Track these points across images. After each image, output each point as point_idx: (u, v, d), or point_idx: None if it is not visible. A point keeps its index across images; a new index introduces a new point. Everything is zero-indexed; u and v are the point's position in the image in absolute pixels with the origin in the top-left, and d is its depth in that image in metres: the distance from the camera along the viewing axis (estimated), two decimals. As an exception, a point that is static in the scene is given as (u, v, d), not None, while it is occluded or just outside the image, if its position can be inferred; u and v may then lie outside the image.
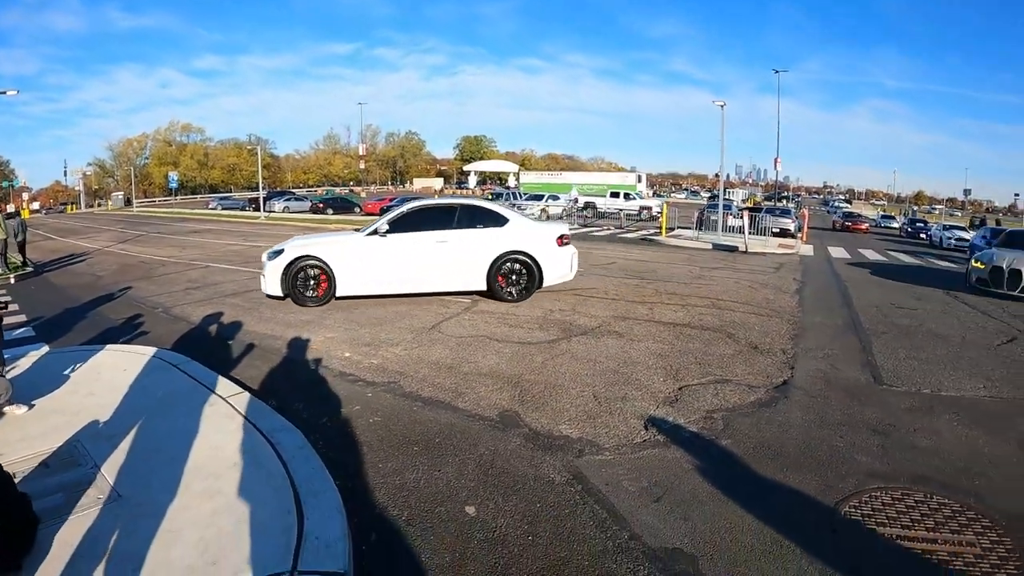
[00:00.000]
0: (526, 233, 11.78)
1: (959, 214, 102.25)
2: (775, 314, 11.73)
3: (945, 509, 4.66)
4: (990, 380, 8.09)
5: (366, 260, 11.13)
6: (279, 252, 10.99)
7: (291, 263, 10.84)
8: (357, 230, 11.86)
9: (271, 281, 10.83)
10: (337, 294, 11.07)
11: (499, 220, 11.77)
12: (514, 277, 11.53)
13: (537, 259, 11.59)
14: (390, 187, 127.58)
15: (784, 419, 6.37)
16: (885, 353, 9.19)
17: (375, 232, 11.16)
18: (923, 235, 46.89)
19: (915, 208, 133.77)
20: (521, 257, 11.54)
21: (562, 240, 11.96)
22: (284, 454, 4.75)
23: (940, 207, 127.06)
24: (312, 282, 10.94)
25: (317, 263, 10.93)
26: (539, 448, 5.45)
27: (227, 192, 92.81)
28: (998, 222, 59.44)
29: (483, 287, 11.51)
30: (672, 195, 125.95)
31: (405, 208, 11.70)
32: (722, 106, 30.90)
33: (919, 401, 7.14)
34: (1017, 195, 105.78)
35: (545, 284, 11.79)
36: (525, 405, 6.45)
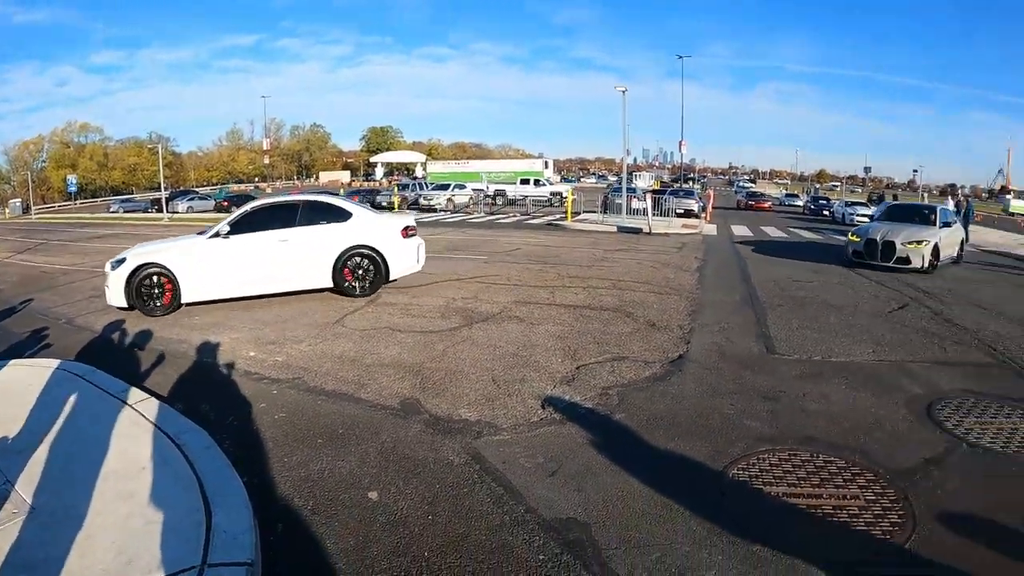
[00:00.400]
0: (370, 227, 11.71)
1: (859, 191, 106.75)
2: (674, 292, 12.07)
3: (831, 467, 4.92)
4: (879, 344, 8.57)
5: (210, 264, 10.75)
6: (121, 261, 10.46)
7: (134, 272, 10.37)
8: (201, 232, 11.45)
9: (115, 292, 10.31)
10: (183, 301, 10.62)
11: (342, 215, 11.66)
12: (360, 272, 11.42)
13: (383, 252, 11.52)
14: (296, 182, 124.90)
15: (678, 391, 6.60)
16: (779, 324, 9.62)
17: (217, 234, 10.78)
18: (826, 212, 47.91)
19: (817, 186, 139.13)
20: (366, 251, 11.44)
21: (407, 231, 11.93)
22: (191, 455, 4.80)
23: (838, 184, 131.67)
24: (157, 290, 10.44)
25: (160, 270, 10.45)
26: (439, 432, 5.56)
27: (129, 194, 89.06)
28: (895, 197, 62.33)
29: (329, 284, 11.35)
30: (582, 180, 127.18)
31: (247, 208, 11.39)
32: (624, 92, 31.48)
33: (810, 368, 7.52)
34: (915, 171, 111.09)
35: (392, 276, 11.72)
36: (426, 392, 6.53)
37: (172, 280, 10.42)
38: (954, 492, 4.60)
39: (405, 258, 11.84)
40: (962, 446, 5.39)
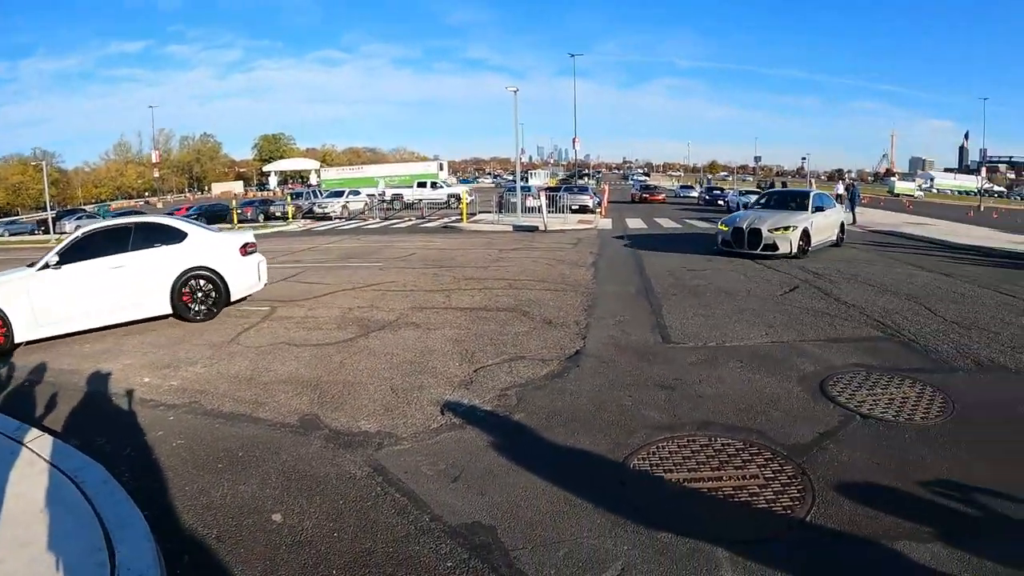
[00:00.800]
0: (207, 247, 11.26)
1: (750, 179, 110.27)
2: (570, 288, 12.25)
3: (729, 448, 5.08)
4: (772, 327, 8.94)
5: (42, 298, 9.92)
6: None
7: None
8: (31, 264, 10.49)
9: None
10: (17, 340, 9.59)
11: (177, 236, 11.12)
12: (200, 295, 10.92)
13: (221, 273, 11.12)
14: (188, 195, 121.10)
15: (575, 387, 6.69)
16: (674, 314, 9.92)
17: (46, 265, 9.99)
18: (721, 202, 47.82)
19: (710, 176, 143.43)
20: (205, 273, 11.01)
21: (246, 249, 11.57)
22: (89, 491, 4.62)
23: (730, 175, 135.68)
24: None
25: None
26: (340, 447, 5.48)
27: (14, 216, 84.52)
28: (785, 184, 64.51)
29: (169, 310, 10.78)
30: (479, 181, 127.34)
31: (78, 234, 10.73)
32: (515, 91, 31.81)
33: (705, 354, 7.76)
34: (804, 158, 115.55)
35: (233, 297, 11.32)
36: (324, 407, 6.43)
37: (3, 319, 9.52)
38: (850, 463, 4.84)
39: (246, 277, 11.45)
40: (856, 418, 5.69)
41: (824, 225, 18.34)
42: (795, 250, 16.33)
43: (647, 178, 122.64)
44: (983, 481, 4.51)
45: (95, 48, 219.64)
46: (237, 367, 7.97)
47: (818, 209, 18.47)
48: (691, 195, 64.87)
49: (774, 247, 16.40)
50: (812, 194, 19.66)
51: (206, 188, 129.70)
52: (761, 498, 4.31)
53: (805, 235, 16.75)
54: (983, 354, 7.68)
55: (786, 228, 16.57)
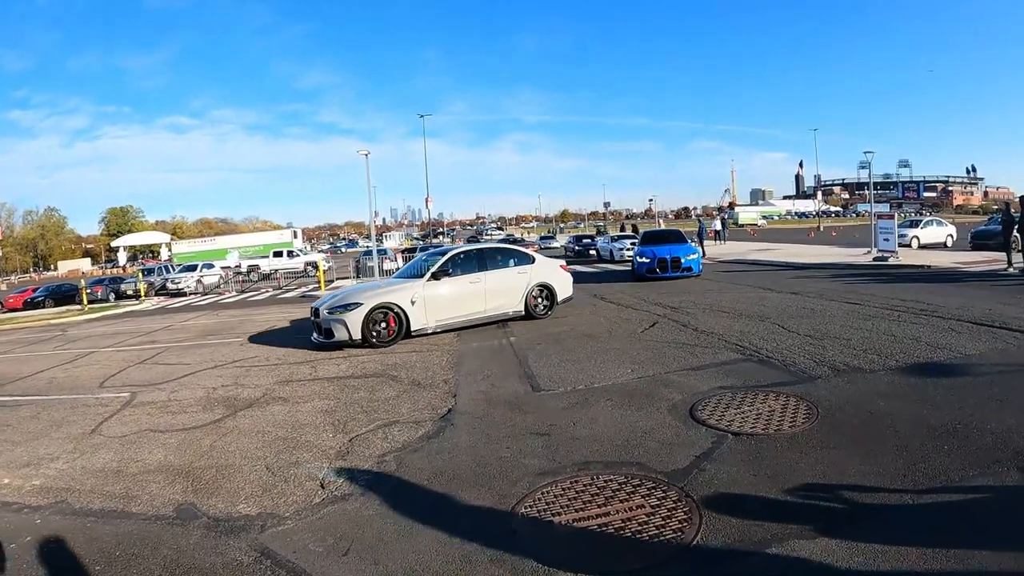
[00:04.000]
0: None
1: (602, 224, 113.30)
2: (435, 348, 12.30)
3: (612, 484, 5.23)
4: (637, 363, 9.33)
5: None
6: None
7: None
8: None
9: None
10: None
11: None
12: None
13: None
14: (32, 274, 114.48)
15: (452, 445, 6.71)
16: (540, 363, 10.14)
17: None
18: (592, 251, 45.20)
19: (562, 225, 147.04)
20: None
21: None
22: None
23: (581, 222, 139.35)
24: None
25: None
26: (221, 533, 5.22)
27: None
28: (634, 227, 66.60)
29: None
30: (341, 249, 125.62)
31: None
32: (366, 155, 31.78)
33: (576, 398, 7.98)
34: (651, 200, 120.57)
35: None
36: (199, 494, 6.13)
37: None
38: (728, 479, 5.12)
39: None
40: (728, 437, 6.04)
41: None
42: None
43: (501, 231, 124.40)
44: (853, 475, 4.94)
45: None
46: (102, 460, 7.54)
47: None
48: (552, 245, 63.67)
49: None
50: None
51: (52, 266, 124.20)
52: (650, 526, 4.45)
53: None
54: (838, 360, 8.38)
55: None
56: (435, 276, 13.91)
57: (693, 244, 25.80)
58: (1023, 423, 5.74)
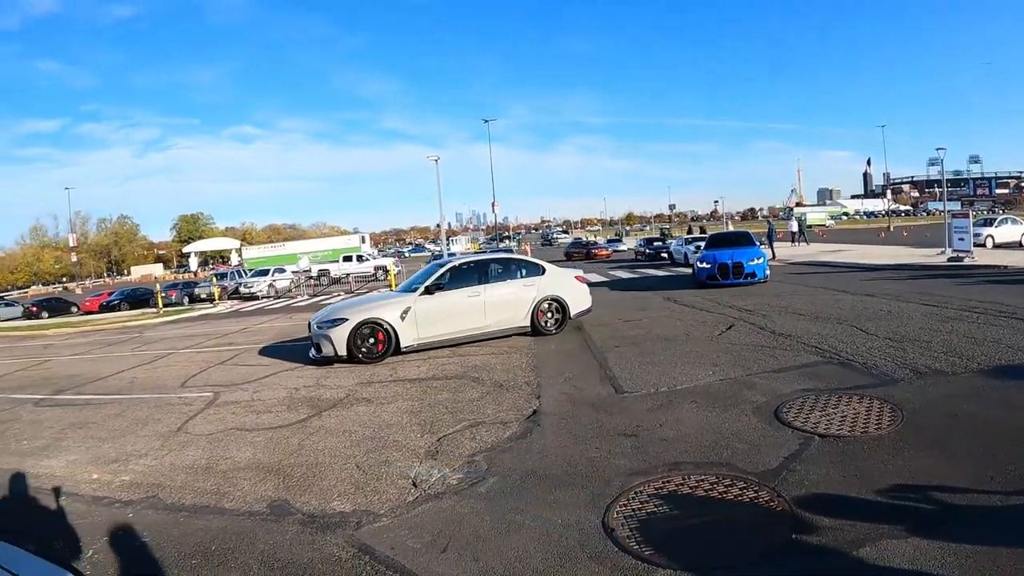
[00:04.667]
0: None
1: (669, 227, 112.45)
2: (514, 351, 12.48)
3: (704, 483, 5.32)
4: (717, 366, 9.36)
5: None
6: None
7: None
8: None
9: None
10: None
11: None
12: None
13: None
14: (106, 279, 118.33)
15: (541, 446, 6.85)
16: (621, 365, 10.22)
17: None
18: (664, 254, 42.88)
19: (628, 228, 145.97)
20: None
21: None
22: None
23: (647, 225, 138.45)
24: None
25: None
26: (317, 530, 5.39)
27: None
28: (702, 229, 65.89)
29: None
30: (407, 254, 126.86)
31: None
32: (436, 160, 32.15)
33: (659, 400, 8.06)
34: (716, 202, 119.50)
35: None
36: (292, 491, 6.32)
37: None
38: (818, 480, 5.18)
39: None
40: (814, 439, 6.07)
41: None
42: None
43: (567, 235, 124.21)
44: (941, 477, 4.96)
45: (6, 127, 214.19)
46: (190, 457, 7.80)
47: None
48: (620, 248, 62.54)
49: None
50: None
51: (125, 271, 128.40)
52: (744, 524, 4.57)
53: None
54: (919, 363, 8.33)
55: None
56: (428, 290, 13.35)
57: (762, 247, 24.50)
58: (1117, 426, 5.68)
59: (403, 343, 12.80)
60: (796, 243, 46.25)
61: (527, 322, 13.88)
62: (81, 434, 9.42)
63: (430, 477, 6.28)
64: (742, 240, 23.45)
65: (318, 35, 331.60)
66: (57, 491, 7.14)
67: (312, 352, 13.24)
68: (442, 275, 13.74)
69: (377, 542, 5.04)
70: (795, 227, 48.89)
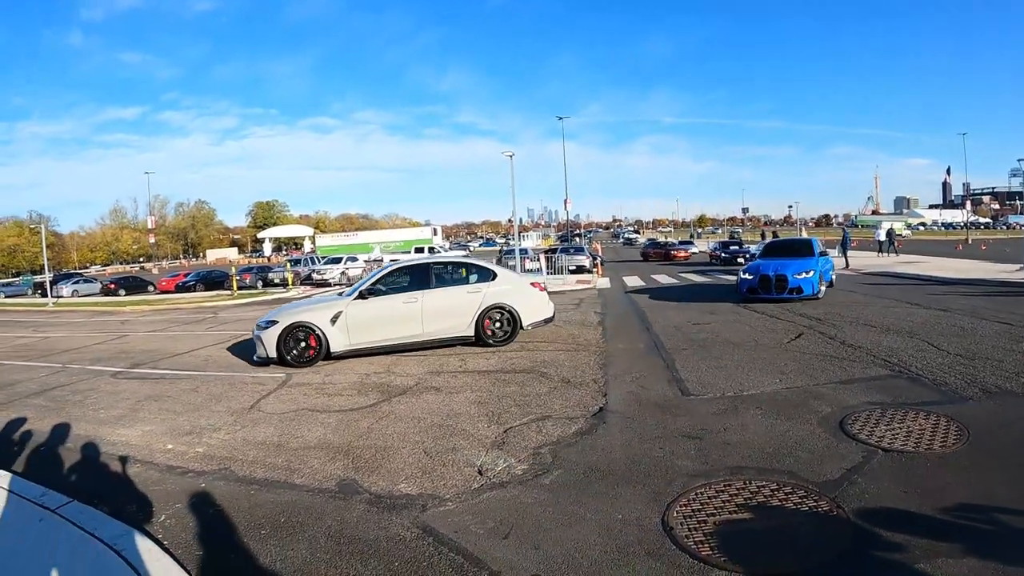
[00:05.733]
0: None
1: (741, 230, 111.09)
2: (582, 348, 12.59)
3: (765, 490, 5.36)
4: (784, 374, 9.29)
5: None
6: None
7: None
8: None
9: None
10: None
11: None
12: None
13: None
14: (182, 260, 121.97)
15: (606, 442, 6.94)
16: (688, 367, 10.23)
17: None
18: (741, 259, 38.71)
19: (699, 230, 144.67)
20: None
21: None
22: (134, 560, 4.61)
23: (720, 228, 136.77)
24: None
25: None
26: (384, 510, 5.58)
27: (11, 277, 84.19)
28: (775, 233, 64.84)
29: None
30: (474, 247, 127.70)
31: None
32: (511, 156, 32.24)
33: (725, 404, 8.07)
34: (790, 207, 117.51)
35: None
36: (360, 472, 6.55)
37: None
38: (879, 494, 5.16)
39: None
40: (878, 452, 6.02)
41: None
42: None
43: (638, 235, 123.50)
44: (1004, 499, 4.88)
45: (90, 113, 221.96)
46: (262, 434, 8.10)
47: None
48: (692, 251, 57.20)
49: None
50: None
51: (201, 254, 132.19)
52: (802, 533, 4.59)
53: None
54: (990, 382, 8.14)
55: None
56: (362, 295, 12.85)
57: (831, 256, 23.01)
58: None
59: (333, 348, 12.45)
60: (883, 253, 44.03)
61: (471, 331, 13.21)
62: (156, 406, 9.83)
63: (496, 466, 6.43)
64: (801, 250, 20.61)
65: (396, 29, 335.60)
66: (132, 459, 7.46)
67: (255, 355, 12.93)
68: (380, 279, 13.30)
69: (441, 525, 5.20)
70: (882, 236, 46.67)
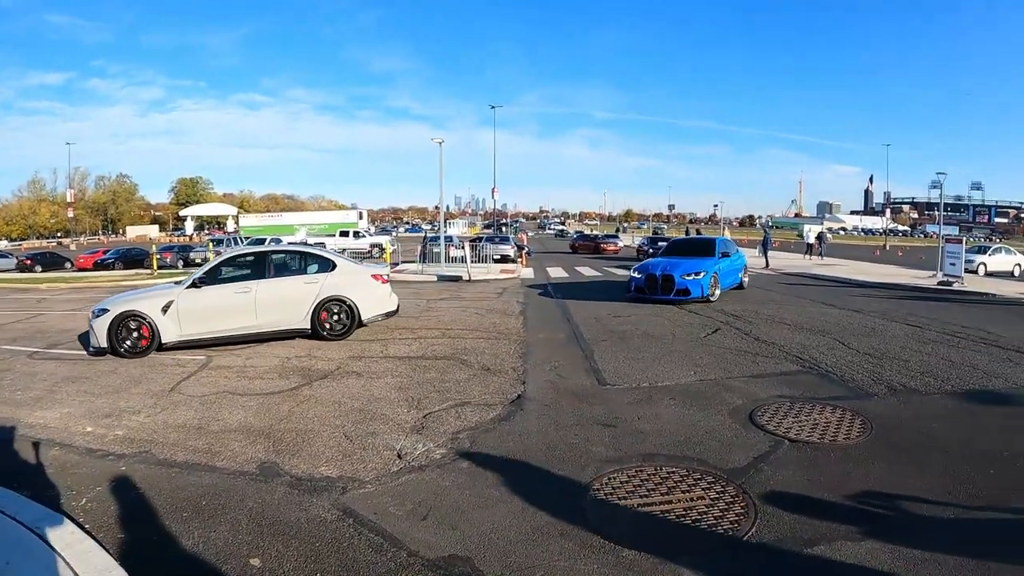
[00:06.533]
0: None
1: (665, 227, 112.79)
2: (503, 336, 12.70)
3: (674, 476, 5.56)
4: (698, 367, 9.60)
5: None
6: None
7: None
8: None
9: None
10: None
11: None
12: None
13: None
14: (101, 237, 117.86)
15: (523, 429, 7.07)
16: (606, 358, 10.45)
17: None
18: None
19: (625, 224, 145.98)
20: None
21: None
22: (56, 543, 4.53)
23: (645, 223, 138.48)
24: None
25: None
26: (304, 492, 5.60)
27: None
28: (698, 231, 65.95)
29: None
30: (399, 231, 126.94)
31: None
32: (440, 143, 32.08)
33: (640, 394, 8.30)
34: (716, 205, 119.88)
35: None
36: (281, 454, 6.53)
37: None
38: (784, 481, 5.43)
39: None
40: (784, 443, 6.31)
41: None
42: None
43: (563, 226, 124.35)
44: (901, 488, 5.20)
45: (14, 77, 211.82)
46: (183, 416, 7.96)
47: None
48: (618, 244, 57.25)
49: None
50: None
51: (121, 231, 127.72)
52: (709, 516, 4.78)
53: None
54: (895, 380, 8.57)
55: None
56: (194, 284, 12.16)
57: (746, 256, 22.84)
58: (1073, 455, 5.91)
59: (164, 339, 11.77)
60: (811, 255, 44.14)
61: (307, 323, 12.65)
62: (75, 388, 9.54)
63: (415, 450, 6.49)
64: (704, 249, 20.05)
65: (333, 7, 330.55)
66: (51, 442, 7.26)
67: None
68: (214, 268, 12.76)
69: (361, 507, 5.26)
70: (811, 239, 46.77)
